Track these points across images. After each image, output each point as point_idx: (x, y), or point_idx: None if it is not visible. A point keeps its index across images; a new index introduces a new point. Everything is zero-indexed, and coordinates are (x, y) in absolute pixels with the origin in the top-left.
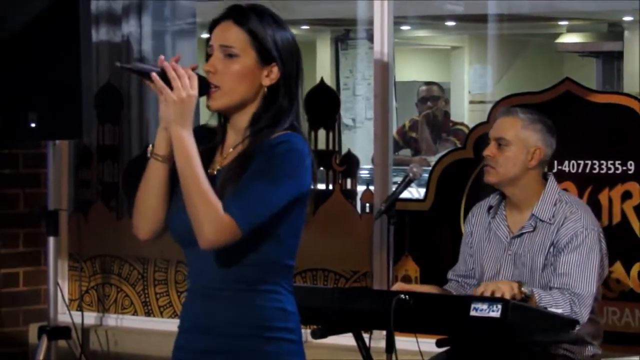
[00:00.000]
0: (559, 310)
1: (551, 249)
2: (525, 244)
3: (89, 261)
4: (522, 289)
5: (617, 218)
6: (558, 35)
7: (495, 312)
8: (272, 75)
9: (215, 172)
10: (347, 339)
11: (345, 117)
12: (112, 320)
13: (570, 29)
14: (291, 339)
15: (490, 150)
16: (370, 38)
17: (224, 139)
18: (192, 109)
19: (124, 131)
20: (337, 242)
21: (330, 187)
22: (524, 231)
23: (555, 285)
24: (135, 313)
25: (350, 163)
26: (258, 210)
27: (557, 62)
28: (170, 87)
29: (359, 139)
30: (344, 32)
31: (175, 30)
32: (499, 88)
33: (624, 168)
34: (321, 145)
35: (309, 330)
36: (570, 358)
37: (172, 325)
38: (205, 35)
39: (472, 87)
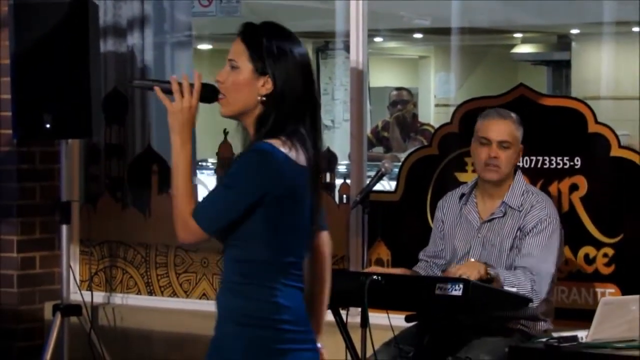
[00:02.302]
0: (521, 289)
1: (518, 233)
2: (495, 228)
3: (98, 246)
4: (488, 270)
5: (565, 208)
6: (513, 45)
7: (458, 291)
8: (267, 85)
9: None
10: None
11: (325, 119)
12: (118, 299)
13: (524, 40)
14: (286, 329)
15: (495, 152)
16: (347, 49)
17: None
18: (190, 118)
19: (128, 131)
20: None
21: None
22: (495, 216)
23: (519, 265)
24: (139, 292)
25: (329, 159)
26: (217, 214)
27: (512, 69)
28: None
29: (337, 138)
30: (324, 44)
31: (174, 42)
32: (461, 93)
33: (572, 163)
34: None
35: None
36: (525, 332)
37: (171, 303)
38: (201, 46)
39: (437, 92)
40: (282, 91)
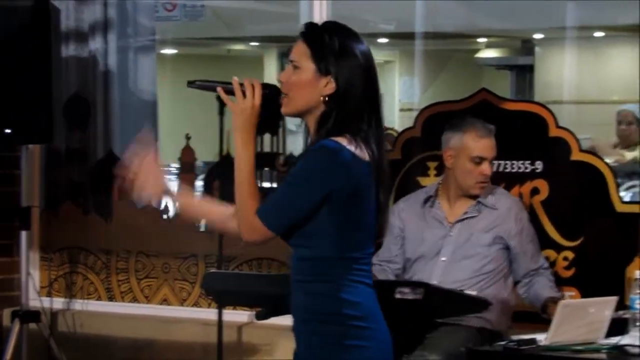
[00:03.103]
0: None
1: (503, 235)
2: (468, 227)
3: (58, 252)
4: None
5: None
6: (477, 50)
7: (418, 294)
8: (329, 85)
9: None
10: (287, 320)
11: (290, 123)
12: (78, 305)
13: (488, 45)
14: (352, 325)
15: (489, 170)
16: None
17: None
18: (253, 118)
19: (90, 136)
20: None
21: (275, 185)
22: (468, 215)
23: (532, 267)
24: (99, 298)
25: (292, 164)
26: (283, 213)
27: (476, 74)
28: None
29: (302, 142)
30: (289, 48)
31: (137, 47)
32: (426, 97)
33: (533, 167)
34: (266, 148)
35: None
36: (486, 329)
37: (132, 309)
38: (165, 51)
39: (401, 96)
40: (345, 91)
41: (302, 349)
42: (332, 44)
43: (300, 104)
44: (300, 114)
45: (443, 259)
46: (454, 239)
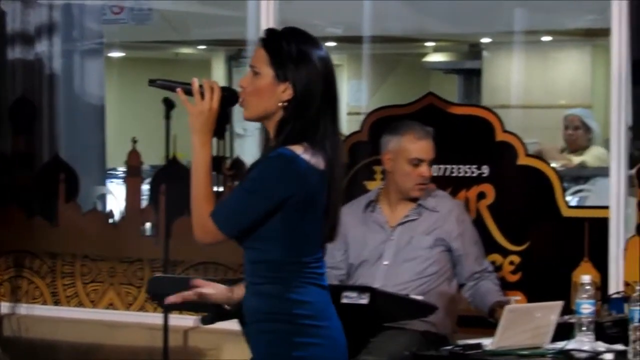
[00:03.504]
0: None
1: (445, 238)
2: (409, 230)
3: (3, 256)
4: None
5: (472, 215)
6: (425, 54)
7: (364, 299)
8: (287, 91)
9: None
10: (233, 325)
11: (238, 127)
12: (23, 309)
13: (436, 49)
14: (303, 324)
15: (428, 172)
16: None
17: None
18: (210, 120)
19: (35, 140)
20: None
21: (221, 189)
22: (409, 218)
23: (476, 270)
24: (44, 303)
25: (239, 167)
26: (237, 218)
27: (424, 78)
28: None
29: (249, 146)
30: (237, 52)
31: (84, 50)
32: (374, 101)
33: (480, 171)
34: (213, 151)
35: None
36: (430, 332)
37: (77, 313)
38: (113, 54)
39: (349, 100)
40: (302, 97)
41: (253, 350)
42: (290, 50)
43: (259, 109)
44: (259, 119)
45: (385, 262)
46: (395, 242)
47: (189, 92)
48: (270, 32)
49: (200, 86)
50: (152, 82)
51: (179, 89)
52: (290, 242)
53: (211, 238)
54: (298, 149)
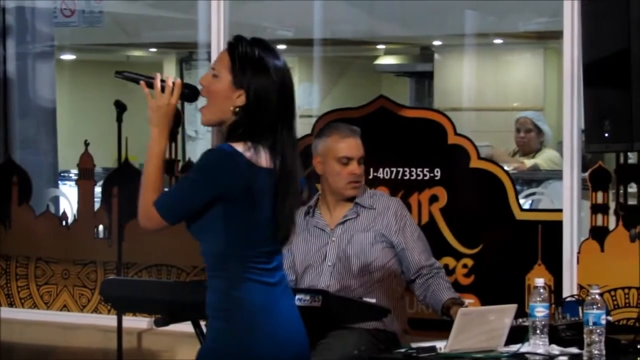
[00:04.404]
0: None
1: (385, 233)
2: (349, 229)
3: None
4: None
5: (425, 218)
6: (376, 57)
7: (317, 302)
8: (241, 98)
9: None
10: (186, 327)
11: (189, 130)
12: None
13: (387, 52)
14: (229, 317)
15: (359, 169)
16: (210, 59)
17: None
18: (169, 114)
19: None
20: (178, 240)
21: None
22: (348, 218)
23: (426, 264)
24: None
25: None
26: (176, 206)
27: (375, 81)
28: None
29: (201, 148)
30: (188, 54)
31: (37, 53)
32: (325, 104)
33: (432, 174)
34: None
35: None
36: (380, 330)
37: (32, 315)
38: (64, 57)
39: (301, 102)
40: (254, 105)
41: (207, 343)
42: (249, 58)
43: (215, 114)
44: (216, 124)
45: (329, 264)
46: (336, 242)
47: (150, 86)
48: (237, 39)
49: (162, 81)
50: (118, 74)
51: (142, 82)
52: (231, 236)
53: (154, 224)
54: (238, 146)
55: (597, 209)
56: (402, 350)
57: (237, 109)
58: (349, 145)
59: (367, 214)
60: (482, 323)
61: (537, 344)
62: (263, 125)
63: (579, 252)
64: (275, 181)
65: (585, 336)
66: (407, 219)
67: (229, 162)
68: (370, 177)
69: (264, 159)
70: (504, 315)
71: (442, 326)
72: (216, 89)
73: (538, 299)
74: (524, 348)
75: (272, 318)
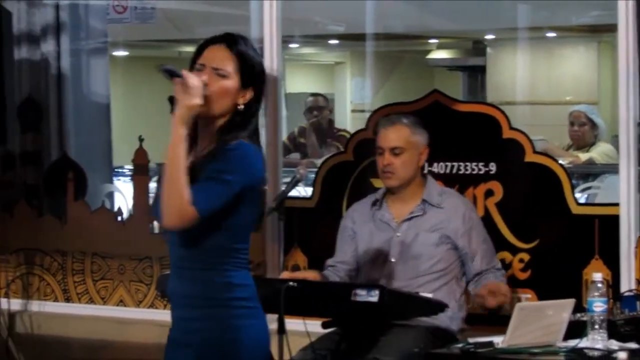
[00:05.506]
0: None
1: (451, 235)
2: (415, 226)
3: (15, 254)
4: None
5: (481, 213)
6: (429, 51)
7: (374, 297)
8: (246, 96)
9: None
10: None
11: None
12: (35, 306)
13: (440, 46)
14: (238, 305)
15: (387, 160)
16: (262, 54)
17: (196, 139)
18: (194, 114)
19: (43, 139)
20: None
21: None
22: (414, 215)
23: (483, 268)
24: (56, 300)
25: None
26: (214, 202)
27: (428, 75)
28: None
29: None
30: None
31: (90, 49)
32: (378, 99)
33: (487, 169)
34: None
35: None
36: (439, 327)
37: (88, 310)
38: (116, 53)
39: (353, 97)
40: (256, 103)
41: (188, 336)
42: (255, 60)
43: (219, 109)
44: (213, 117)
45: (392, 260)
46: (401, 239)
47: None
48: (234, 37)
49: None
50: (161, 67)
51: (180, 80)
52: (236, 229)
53: (187, 222)
54: (254, 145)
55: None
56: (460, 345)
57: (241, 107)
58: (382, 136)
59: (434, 213)
60: (539, 318)
61: (596, 339)
62: (254, 122)
63: (636, 247)
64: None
65: None
66: (474, 221)
67: (259, 159)
68: (425, 171)
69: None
70: (561, 310)
71: (499, 321)
72: (227, 88)
73: (596, 293)
74: (583, 343)
75: (259, 303)
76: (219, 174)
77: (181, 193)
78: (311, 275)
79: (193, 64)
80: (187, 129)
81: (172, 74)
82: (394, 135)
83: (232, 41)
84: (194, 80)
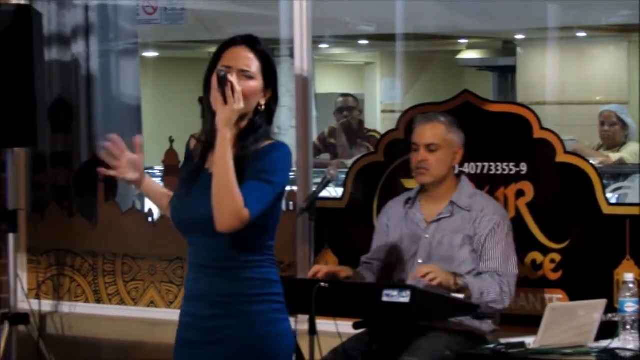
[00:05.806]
0: (491, 292)
1: (472, 235)
2: (442, 228)
3: (45, 255)
4: (457, 280)
5: (512, 213)
6: (458, 51)
7: (405, 297)
8: (267, 96)
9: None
10: None
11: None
12: (66, 307)
13: (469, 46)
14: (274, 300)
15: (421, 156)
16: (292, 55)
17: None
18: (236, 118)
19: (74, 140)
20: None
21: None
22: (442, 216)
23: (484, 270)
24: (86, 301)
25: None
26: (265, 203)
27: (457, 75)
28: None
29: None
30: (270, 51)
31: (120, 50)
32: (408, 99)
33: (518, 169)
34: None
35: None
36: (470, 332)
37: (119, 311)
38: (147, 54)
39: (383, 98)
40: (274, 103)
41: (220, 333)
42: (273, 61)
43: (245, 109)
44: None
45: (420, 261)
46: (428, 240)
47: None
48: (253, 38)
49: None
50: (219, 73)
51: (228, 84)
52: (270, 227)
53: (241, 225)
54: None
55: None
56: (491, 346)
57: (262, 108)
58: (417, 132)
59: (461, 215)
60: (571, 318)
61: (627, 340)
62: (271, 122)
63: None
64: None
65: None
66: (497, 225)
67: (290, 159)
68: (456, 172)
69: None
70: (593, 310)
71: (531, 322)
72: (254, 89)
73: (628, 294)
74: (614, 344)
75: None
76: (264, 175)
77: (234, 196)
78: (344, 270)
79: (213, 66)
80: (231, 132)
81: (225, 80)
82: (431, 132)
83: (254, 42)
84: (237, 85)
